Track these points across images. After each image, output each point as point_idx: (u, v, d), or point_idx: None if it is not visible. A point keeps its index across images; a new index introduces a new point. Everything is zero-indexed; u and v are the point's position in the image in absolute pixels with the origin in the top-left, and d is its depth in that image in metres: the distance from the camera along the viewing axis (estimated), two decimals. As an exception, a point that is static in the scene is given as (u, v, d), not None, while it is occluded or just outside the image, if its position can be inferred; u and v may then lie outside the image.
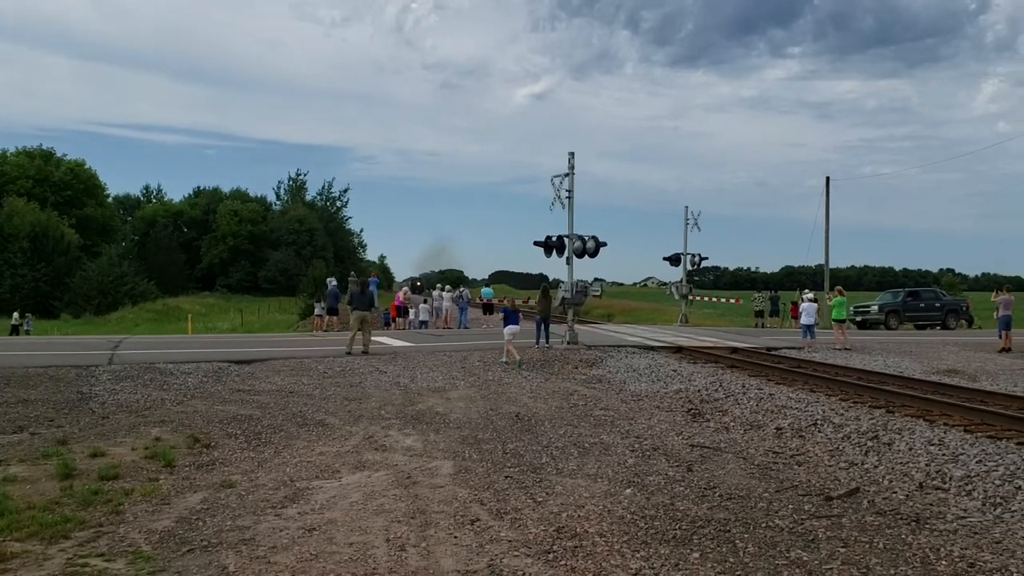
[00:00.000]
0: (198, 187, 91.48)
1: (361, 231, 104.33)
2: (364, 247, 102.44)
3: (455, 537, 5.41)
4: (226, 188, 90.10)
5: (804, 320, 20.58)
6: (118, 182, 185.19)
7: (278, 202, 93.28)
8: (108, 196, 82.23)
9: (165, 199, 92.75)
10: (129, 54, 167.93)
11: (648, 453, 8.19)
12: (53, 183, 70.30)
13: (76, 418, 9.74)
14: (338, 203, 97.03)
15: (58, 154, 74.27)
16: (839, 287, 22.05)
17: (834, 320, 20.68)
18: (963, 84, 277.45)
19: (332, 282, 27.49)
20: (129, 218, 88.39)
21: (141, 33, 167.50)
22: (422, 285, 34.31)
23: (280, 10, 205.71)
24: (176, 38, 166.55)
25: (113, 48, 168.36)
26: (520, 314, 17.65)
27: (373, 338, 17.43)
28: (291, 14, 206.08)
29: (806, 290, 25.90)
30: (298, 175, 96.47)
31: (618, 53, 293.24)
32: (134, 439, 8.48)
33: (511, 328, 16.31)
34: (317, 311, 27.56)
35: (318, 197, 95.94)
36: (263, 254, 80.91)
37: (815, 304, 21.13)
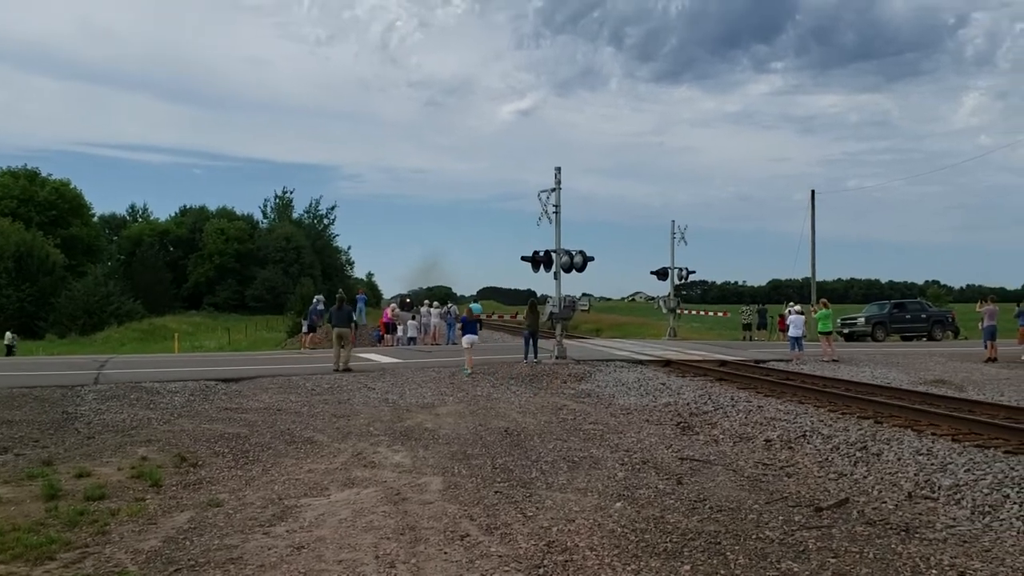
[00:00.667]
0: (184, 206, 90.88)
1: (349, 248, 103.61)
2: (352, 264, 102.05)
3: (445, 553, 5.38)
4: (212, 207, 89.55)
5: (792, 333, 20.71)
6: (103, 201, 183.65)
7: (265, 220, 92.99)
8: (93, 215, 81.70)
9: (151, 218, 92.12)
10: (115, 74, 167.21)
11: (638, 467, 8.19)
12: (38, 203, 69.86)
13: (61, 438, 9.64)
14: (325, 221, 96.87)
15: (43, 174, 73.99)
16: (824, 299, 22.24)
17: (821, 332, 20.83)
18: (944, 98, 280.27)
19: (317, 299, 27.43)
20: (115, 237, 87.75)
21: (127, 54, 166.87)
22: (411, 302, 34.23)
23: (265, 29, 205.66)
24: (162, 58, 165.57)
25: (99, 69, 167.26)
26: (478, 324, 18.38)
27: (361, 355, 17.37)
28: (276, 33, 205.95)
29: (793, 303, 26.09)
30: (284, 193, 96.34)
31: (602, 69, 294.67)
32: (120, 459, 8.39)
33: (470, 337, 16.88)
34: (305, 329, 27.54)
35: (305, 215, 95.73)
36: (250, 272, 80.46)
37: (802, 317, 21.29)
